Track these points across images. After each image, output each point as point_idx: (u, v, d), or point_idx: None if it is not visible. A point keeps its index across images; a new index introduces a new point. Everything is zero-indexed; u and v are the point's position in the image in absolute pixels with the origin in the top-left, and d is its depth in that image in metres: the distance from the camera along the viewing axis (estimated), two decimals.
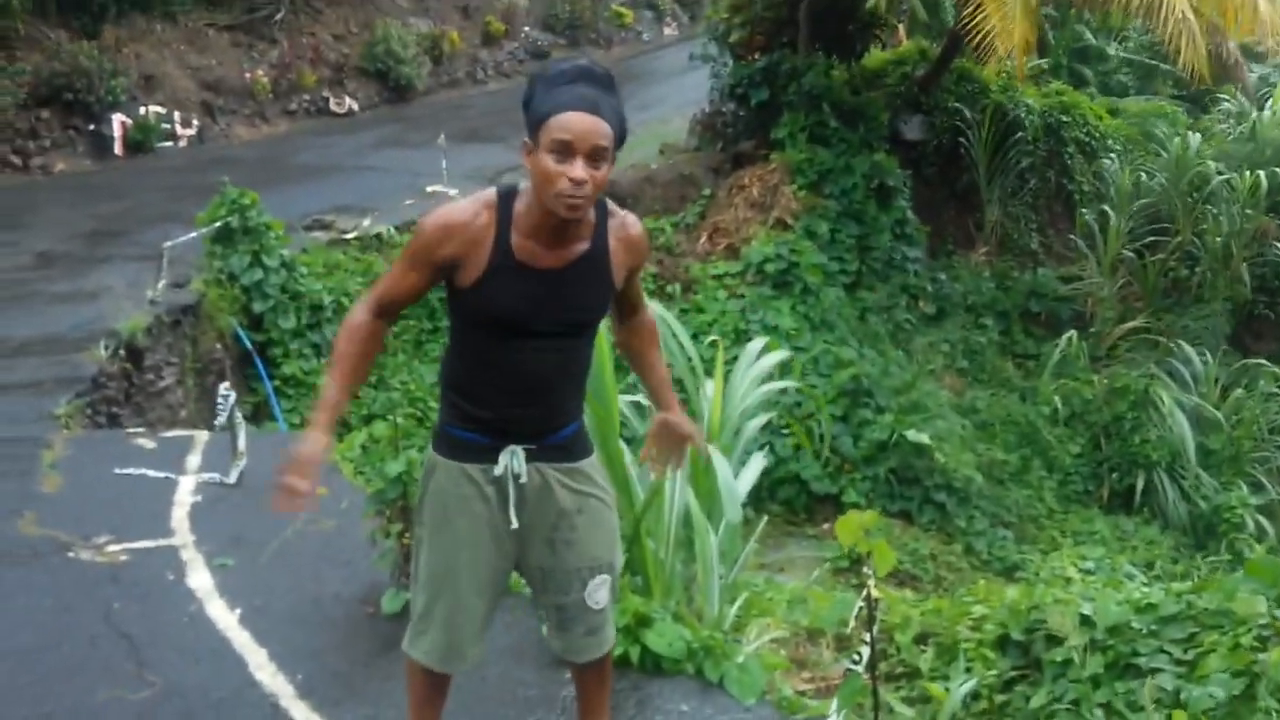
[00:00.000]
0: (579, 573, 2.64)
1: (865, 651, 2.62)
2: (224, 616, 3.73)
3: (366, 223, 10.71)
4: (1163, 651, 3.70)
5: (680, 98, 18.32)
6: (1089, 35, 18.41)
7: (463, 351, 2.55)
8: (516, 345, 2.47)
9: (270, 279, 8.47)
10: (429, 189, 11.93)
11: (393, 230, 10.55)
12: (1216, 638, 3.64)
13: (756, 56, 12.96)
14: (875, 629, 2.73)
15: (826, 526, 9.84)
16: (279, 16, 17.55)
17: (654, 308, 3.48)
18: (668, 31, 26.57)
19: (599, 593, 2.67)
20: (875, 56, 14.48)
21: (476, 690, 3.27)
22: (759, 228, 11.60)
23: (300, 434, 2.37)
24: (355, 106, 17.47)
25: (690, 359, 4.32)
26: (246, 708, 3.23)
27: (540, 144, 2.31)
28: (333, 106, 17.15)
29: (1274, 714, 3.21)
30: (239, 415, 4.79)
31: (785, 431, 9.29)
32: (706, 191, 12.46)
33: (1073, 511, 10.40)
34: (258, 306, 8.42)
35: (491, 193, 2.47)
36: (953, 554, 9.41)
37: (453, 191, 11.88)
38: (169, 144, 14.52)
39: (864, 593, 2.58)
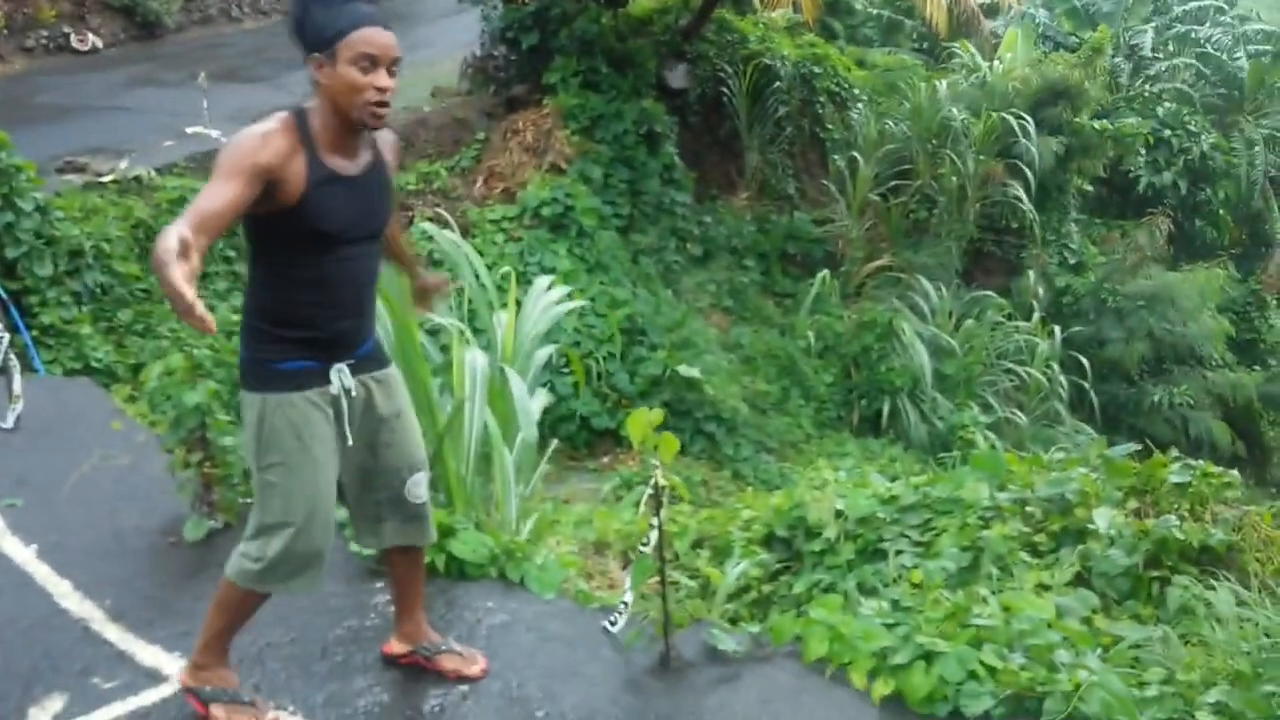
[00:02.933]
0: (399, 471, 2.88)
1: (653, 535, 2.96)
2: (20, 552, 3.71)
3: (124, 165, 10.22)
4: (904, 535, 4.24)
5: (449, 40, 18.12)
6: None
7: (280, 277, 2.61)
8: (336, 256, 2.59)
9: (23, 223, 8.03)
10: (189, 130, 11.47)
11: (153, 172, 10.12)
12: (947, 521, 4.21)
13: (526, 1, 13.06)
14: (661, 517, 3.08)
15: (606, 460, 10.29)
16: None
17: (452, 237, 3.72)
18: None
19: (419, 488, 2.92)
20: (640, 4, 14.83)
21: (288, 603, 3.43)
22: (534, 172, 11.81)
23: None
24: (99, 44, 16.39)
25: (486, 288, 4.54)
26: (58, 633, 3.27)
27: (340, 58, 2.46)
28: (75, 43, 16.04)
29: (994, 579, 3.78)
30: (13, 359, 4.66)
31: (565, 371, 9.63)
32: (481, 135, 12.53)
33: (827, 436, 11.26)
34: (10, 253, 7.97)
35: (284, 115, 2.57)
36: (722, 479, 10.05)
37: (215, 133, 11.46)
38: None
39: (651, 480, 2.91)
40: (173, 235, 2.12)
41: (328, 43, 2.49)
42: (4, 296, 7.79)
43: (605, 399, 10.29)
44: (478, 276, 4.61)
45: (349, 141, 2.59)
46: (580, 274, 10.95)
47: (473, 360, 4.09)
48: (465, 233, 11.16)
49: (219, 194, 2.38)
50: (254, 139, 2.47)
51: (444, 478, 3.91)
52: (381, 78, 2.48)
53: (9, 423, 4.70)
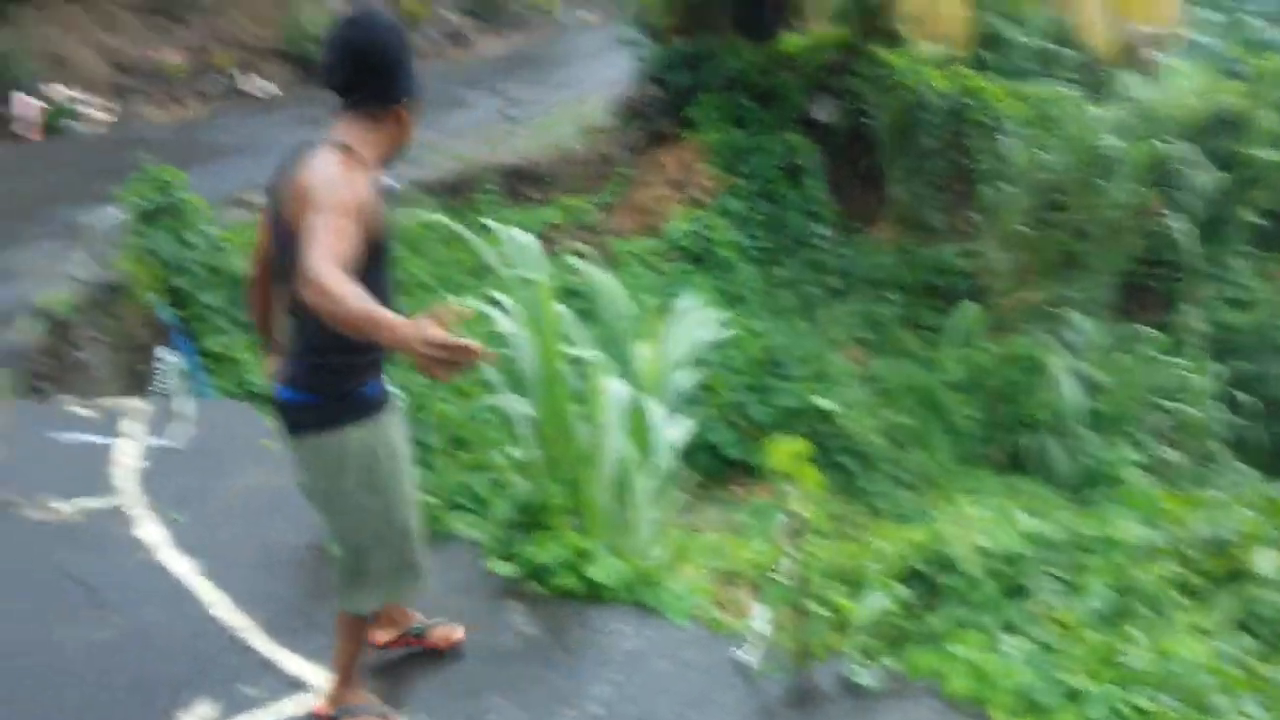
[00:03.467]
0: None
1: (789, 563, 2.93)
2: (178, 564, 3.91)
3: None
4: (1050, 574, 4.08)
5: (596, 79, 18.52)
6: (992, 21, 19.05)
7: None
8: (384, 269, 2.73)
9: (194, 255, 8.51)
10: None
11: None
12: (1096, 560, 4.04)
13: (677, 41, 13.27)
14: (785, 558, 3.04)
15: (737, 490, 10.24)
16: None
17: (595, 267, 3.86)
18: (586, 16, 26.66)
19: None
20: (792, 41, 14.88)
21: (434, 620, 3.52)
22: (677, 205, 11.92)
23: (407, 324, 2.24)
24: (272, 89, 17.32)
25: (627, 318, 4.60)
26: (208, 641, 3.44)
27: (413, 110, 2.72)
28: (248, 89, 16.99)
29: (1145, 620, 3.61)
30: (179, 379, 4.94)
31: (700, 400, 9.65)
32: (625, 170, 12.73)
33: (967, 471, 10.95)
34: (180, 283, 8.46)
35: (340, 153, 2.60)
36: (857, 513, 9.87)
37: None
38: (79, 125, 14.29)
39: (789, 505, 2.89)
40: (424, 324, 2.21)
41: (413, 94, 2.71)
42: (177, 323, 8.27)
43: (739, 429, 10.26)
44: (615, 305, 4.68)
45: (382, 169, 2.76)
46: (719, 305, 10.97)
47: (612, 389, 4.13)
48: (608, 266, 11.34)
49: (355, 241, 2.43)
50: (363, 188, 2.56)
51: (581, 503, 3.96)
52: None
53: (174, 441, 4.96)
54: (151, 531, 4.16)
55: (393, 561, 2.88)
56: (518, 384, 4.62)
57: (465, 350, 2.17)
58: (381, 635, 3.37)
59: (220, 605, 3.62)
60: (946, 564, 4.43)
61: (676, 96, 13.17)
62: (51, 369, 6.47)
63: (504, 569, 3.69)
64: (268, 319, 3.03)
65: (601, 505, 4.04)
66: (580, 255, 11.30)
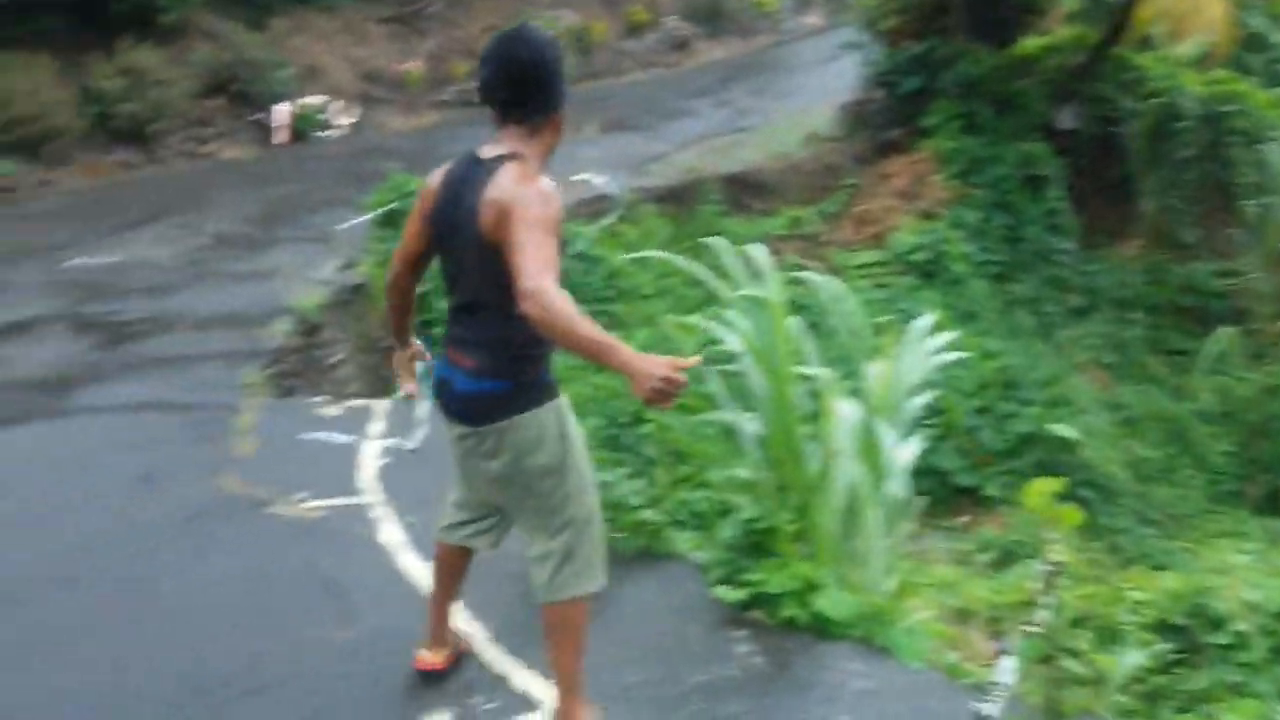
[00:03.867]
0: None
1: (1045, 615, 2.70)
2: (417, 568, 4.00)
3: None
4: None
5: (822, 87, 18.22)
6: (1253, 22, 17.64)
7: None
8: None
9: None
10: (574, 178, 12.21)
11: None
12: None
13: (907, 45, 12.87)
14: (1040, 607, 2.81)
15: (965, 520, 9.78)
16: (433, 9, 18.16)
17: (829, 281, 3.72)
18: (810, 21, 26.35)
19: None
20: (1030, 44, 14.20)
21: (648, 645, 3.46)
22: (905, 217, 11.55)
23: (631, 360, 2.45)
24: None
25: (860, 335, 4.42)
26: None
27: (561, 122, 2.88)
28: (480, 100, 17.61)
29: None
30: (418, 381, 5.08)
31: (926, 423, 9.27)
32: (851, 180, 12.44)
33: (1221, 511, 10.09)
34: (419, 287, 8.78)
35: (528, 165, 2.75)
36: (1097, 551, 9.24)
37: (599, 180, 12.14)
38: (327, 133, 15.18)
39: (1047, 555, 2.66)
40: (653, 359, 2.45)
41: (560, 107, 2.86)
42: (417, 327, 8.60)
43: (968, 455, 9.79)
44: (852, 323, 4.50)
45: None
46: (949, 323, 10.51)
47: (844, 411, 3.97)
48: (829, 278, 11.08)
49: (555, 252, 2.59)
50: (548, 190, 2.70)
51: (809, 529, 3.82)
52: None
53: (414, 444, 5.11)
54: (391, 533, 4.28)
55: (596, 535, 3.00)
56: (743, 400, 4.52)
57: (683, 386, 2.41)
58: (434, 658, 3.36)
59: (456, 614, 3.67)
60: (1210, 618, 4.05)
61: (906, 103, 12.77)
62: (300, 368, 6.82)
63: (728, 595, 3.59)
64: (406, 319, 3.23)
65: (831, 533, 3.88)
66: (802, 268, 11.13)
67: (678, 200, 12.45)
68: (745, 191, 12.82)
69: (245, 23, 15.33)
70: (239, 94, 14.49)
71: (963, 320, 10.72)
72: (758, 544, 3.72)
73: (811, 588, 3.53)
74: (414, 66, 16.70)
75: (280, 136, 14.63)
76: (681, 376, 2.40)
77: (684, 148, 14.50)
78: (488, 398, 2.84)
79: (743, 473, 4.12)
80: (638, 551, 4.08)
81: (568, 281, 8.30)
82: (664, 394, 2.41)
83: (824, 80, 18.81)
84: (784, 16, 25.86)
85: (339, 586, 3.91)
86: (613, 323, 9.89)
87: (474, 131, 12.69)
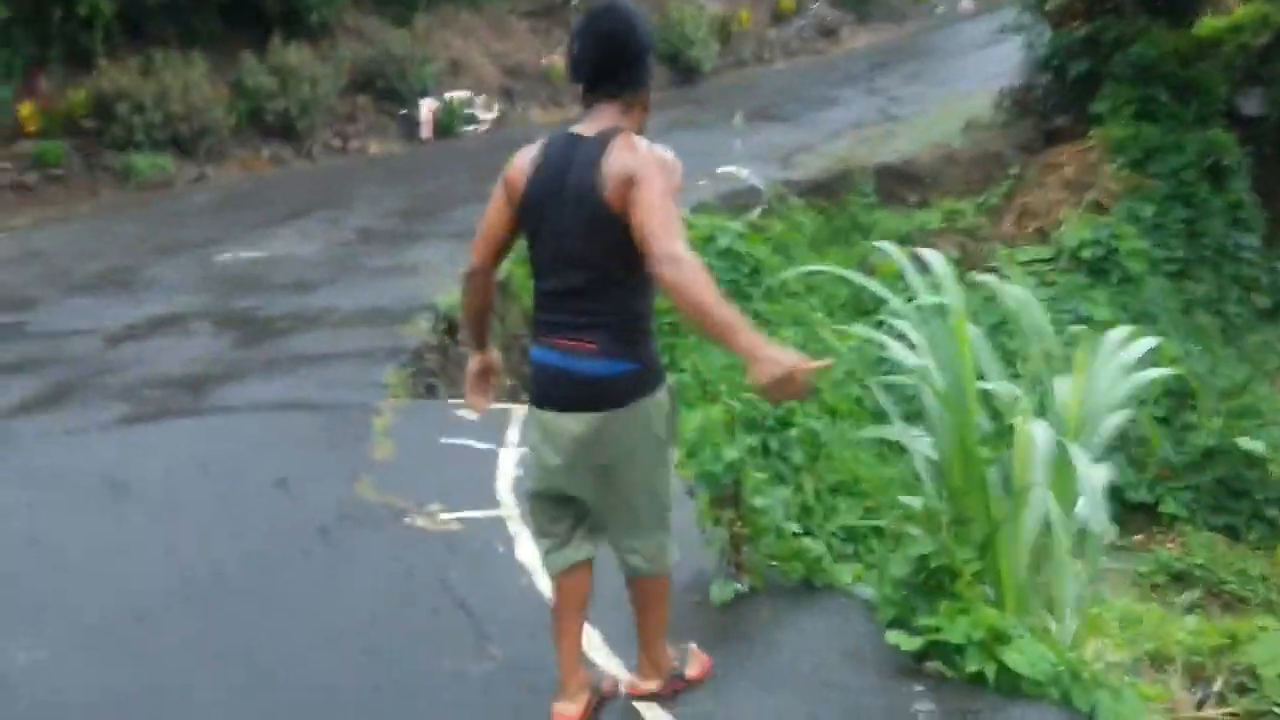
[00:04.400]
0: None
1: None
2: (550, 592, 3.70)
3: None
4: None
5: (979, 73, 17.40)
6: None
7: (645, 280, 2.67)
8: None
9: None
10: (720, 170, 11.84)
11: (686, 211, 10.50)
12: None
13: (1076, 25, 12.07)
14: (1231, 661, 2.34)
15: (1139, 538, 9.06)
16: (574, 2, 18.01)
17: (1013, 286, 3.31)
18: (964, 5, 25.44)
19: None
20: (1208, 24, 13.19)
21: (820, 700, 3.07)
22: (1072, 210, 10.82)
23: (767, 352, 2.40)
24: None
25: (1048, 347, 3.93)
26: None
27: (647, 105, 2.81)
28: None
29: None
30: None
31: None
32: (1014, 170, 11.75)
33: None
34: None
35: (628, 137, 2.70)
36: None
37: (744, 172, 11.74)
38: (471, 128, 15.18)
39: None
40: (780, 349, 2.43)
41: (649, 84, 2.81)
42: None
43: (1142, 469, 9.06)
44: (1038, 333, 4.02)
45: None
46: (1118, 324, 9.77)
47: (1037, 435, 3.50)
48: (991, 275, 10.43)
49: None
50: (677, 161, 2.70)
51: (994, 571, 3.37)
52: None
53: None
54: (531, 551, 3.97)
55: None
56: (912, 416, 4.09)
57: (809, 388, 2.43)
58: (567, 709, 3.05)
59: (597, 649, 3.36)
60: None
61: (1074, 88, 12.00)
62: (440, 367, 6.64)
63: (904, 643, 3.17)
64: (486, 319, 3.12)
65: (1019, 573, 3.43)
66: (962, 263, 10.50)
67: (826, 192, 11.96)
68: (898, 183, 12.26)
69: (390, 20, 15.45)
70: (384, 90, 14.60)
71: (1137, 322, 9.93)
72: (934, 583, 3.29)
73: (999, 638, 3.09)
74: (557, 59, 16.57)
75: (425, 132, 14.69)
76: (810, 377, 2.41)
77: (833, 138, 13.98)
78: (620, 380, 2.75)
79: (914, 501, 3.68)
80: (798, 583, 3.69)
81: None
82: (787, 389, 2.40)
83: (981, 66, 17.98)
84: (936, 1, 25.00)
85: (475, 610, 3.63)
86: (758, 322, 9.50)
87: None
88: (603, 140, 2.66)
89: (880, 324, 5.60)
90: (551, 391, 2.80)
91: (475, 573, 3.87)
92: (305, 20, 14.06)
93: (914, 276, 3.83)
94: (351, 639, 3.51)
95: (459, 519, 4.30)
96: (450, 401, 5.83)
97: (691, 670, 3.19)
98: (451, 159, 13.67)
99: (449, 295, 7.42)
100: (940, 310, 3.63)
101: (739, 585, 3.59)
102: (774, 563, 3.70)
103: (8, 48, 11.70)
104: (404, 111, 14.71)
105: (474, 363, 3.12)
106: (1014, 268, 10.22)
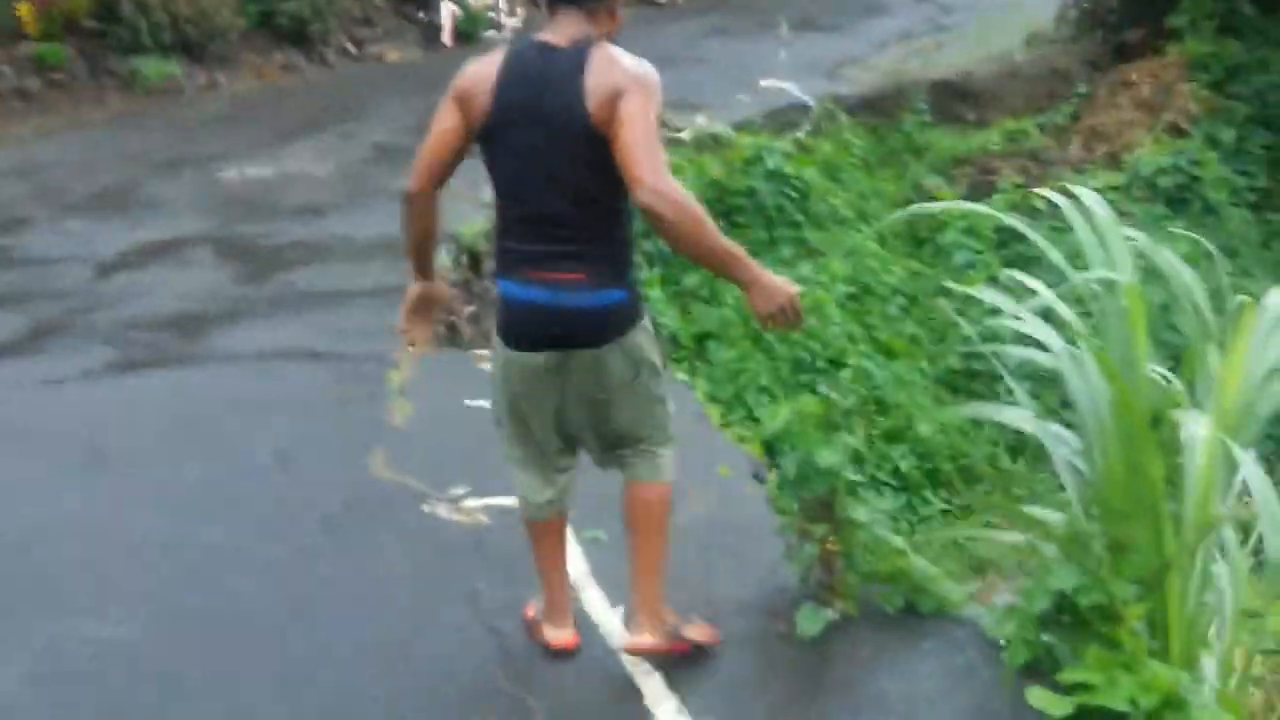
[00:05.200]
0: None
1: None
2: (604, 614, 3.07)
3: (700, 120, 9.91)
4: None
5: None
6: None
7: (626, 201, 2.55)
8: None
9: None
10: (763, 83, 10.97)
11: (729, 129, 9.69)
12: None
13: None
14: None
15: None
16: None
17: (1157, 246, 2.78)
18: None
19: None
20: None
21: None
22: (1146, 133, 9.94)
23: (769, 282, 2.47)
24: None
25: (1200, 311, 3.16)
26: None
27: (616, 10, 2.64)
28: None
29: None
30: None
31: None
32: (1081, 89, 10.83)
33: None
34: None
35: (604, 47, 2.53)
36: None
37: (789, 85, 10.87)
38: (494, 33, 14.26)
39: None
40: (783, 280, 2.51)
41: None
42: None
43: None
44: (1190, 298, 3.29)
45: None
46: (1198, 259, 8.99)
47: (1193, 432, 2.80)
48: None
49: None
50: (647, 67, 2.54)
51: (1162, 613, 2.72)
52: None
53: None
54: (571, 557, 3.34)
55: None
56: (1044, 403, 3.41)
57: (800, 318, 2.51)
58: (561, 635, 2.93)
59: (661, 700, 2.73)
60: None
61: (1148, 1, 11.00)
62: (463, 306, 5.97)
63: (1052, 705, 2.53)
64: (429, 244, 2.93)
65: (1187, 613, 2.77)
66: (1028, 187, 9.69)
67: (877, 109, 11.08)
68: (955, 100, 11.35)
69: None
70: None
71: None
72: (1082, 623, 2.65)
73: (1174, 706, 2.46)
74: None
75: (446, 37, 13.81)
76: (800, 304, 2.51)
77: (881, 49, 13.02)
78: (613, 310, 2.60)
79: (1052, 515, 3.01)
80: (901, 607, 3.04)
81: (756, 203, 7.04)
82: (784, 317, 2.48)
83: None
84: None
85: (510, 639, 3.00)
86: (806, 252, 8.77)
87: (649, 30, 11.52)
88: (580, 52, 2.49)
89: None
90: (534, 331, 2.61)
91: (507, 586, 3.21)
92: None
93: (1081, 226, 3.08)
94: (355, 674, 2.89)
95: (488, 508, 3.66)
96: (475, 353, 5.15)
97: (696, 633, 2.89)
98: None
99: (469, 224, 6.73)
100: (1109, 285, 2.91)
101: (831, 613, 2.95)
102: (871, 584, 3.05)
103: None
104: (423, 15, 13.80)
105: (415, 289, 2.89)
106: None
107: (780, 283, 2.46)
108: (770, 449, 3.20)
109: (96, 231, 7.16)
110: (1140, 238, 3.35)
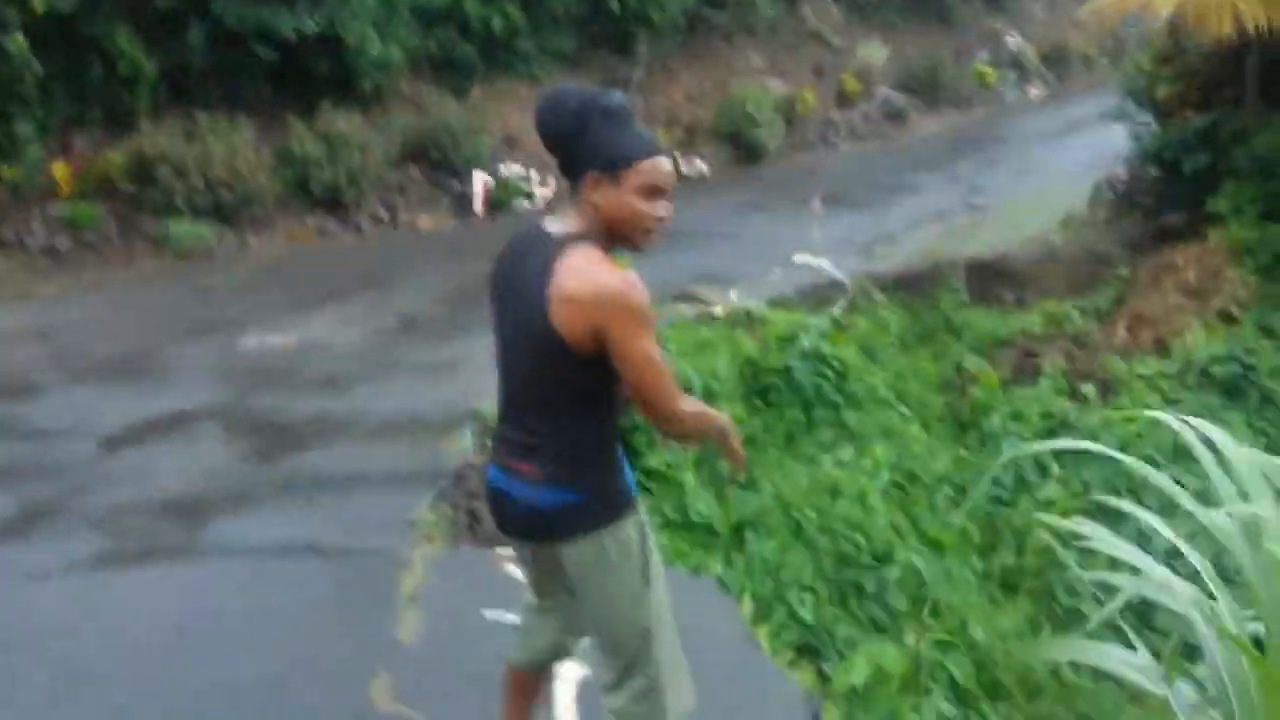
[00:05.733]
0: None
1: None
2: None
3: (733, 295, 9.70)
4: None
5: (1060, 162, 16.43)
6: None
7: (606, 406, 2.49)
8: None
9: None
10: (796, 259, 10.81)
11: (762, 305, 9.46)
12: None
13: (1189, 115, 10.99)
14: None
15: None
16: (635, 78, 17.27)
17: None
18: (1033, 92, 24.62)
19: None
20: None
21: None
22: (1193, 318, 9.63)
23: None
24: (706, 170, 16.84)
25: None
26: None
27: (626, 184, 2.41)
28: (683, 169, 16.58)
29: None
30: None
31: None
32: (1122, 272, 10.60)
33: None
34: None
35: (594, 248, 2.43)
36: None
37: (823, 263, 10.70)
38: (526, 203, 14.33)
39: None
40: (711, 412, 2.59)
41: (616, 165, 2.43)
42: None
43: None
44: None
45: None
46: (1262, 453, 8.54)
47: None
48: (1106, 390, 9.25)
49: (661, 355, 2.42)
50: (640, 286, 2.40)
51: None
52: (663, 207, 2.49)
53: None
54: None
55: (685, 687, 2.63)
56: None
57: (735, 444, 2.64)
58: None
59: None
60: None
61: (1189, 183, 10.87)
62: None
63: None
64: None
65: None
66: (1074, 375, 9.34)
67: (912, 288, 10.87)
68: (991, 280, 11.14)
69: (446, 89, 14.71)
70: (437, 162, 13.79)
71: (1277, 451, 8.72)
72: None
73: None
74: None
75: (478, 206, 13.86)
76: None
77: (914, 228, 12.93)
78: (561, 512, 2.48)
79: None
80: None
81: (791, 384, 6.76)
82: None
83: (1062, 156, 17.01)
84: (1005, 88, 24.15)
85: None
86: (845, 435, 8.38)
87: (682, 204, 11.37)
88: (557, 247, 2.40)
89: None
90: (499, 516, 2.63)
91: None
92: (357, 87, 13.31)
93: (1206, 460, 2.70)
94: None
95: None
96: (497, 551, 4.72)
97: None
98: (504, 236, 12.71)
99: (493, 401, 6.38)
100: (1253, 526, 2.49)
101: None
102: None
103: (44, 105, 10.99)
104: (457, 184, 13.88)
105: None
106: (1135, 383, 9.05)
107: (728, 424, 2.61)
108: (848, 711, 2.74)
109: (106, 401, 6.88)
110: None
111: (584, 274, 2.35)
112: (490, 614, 3.91)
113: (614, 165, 2.41)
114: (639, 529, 2.53)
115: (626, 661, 2.57)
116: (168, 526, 4.90)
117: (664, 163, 2.49)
